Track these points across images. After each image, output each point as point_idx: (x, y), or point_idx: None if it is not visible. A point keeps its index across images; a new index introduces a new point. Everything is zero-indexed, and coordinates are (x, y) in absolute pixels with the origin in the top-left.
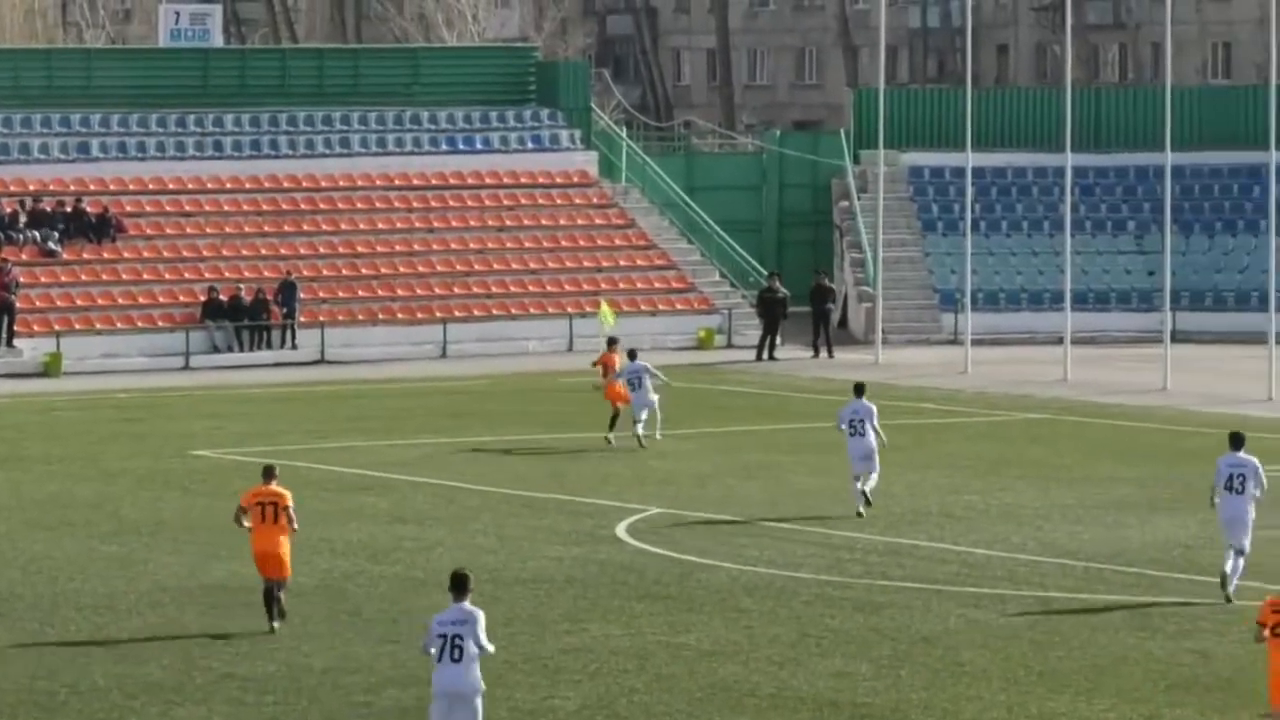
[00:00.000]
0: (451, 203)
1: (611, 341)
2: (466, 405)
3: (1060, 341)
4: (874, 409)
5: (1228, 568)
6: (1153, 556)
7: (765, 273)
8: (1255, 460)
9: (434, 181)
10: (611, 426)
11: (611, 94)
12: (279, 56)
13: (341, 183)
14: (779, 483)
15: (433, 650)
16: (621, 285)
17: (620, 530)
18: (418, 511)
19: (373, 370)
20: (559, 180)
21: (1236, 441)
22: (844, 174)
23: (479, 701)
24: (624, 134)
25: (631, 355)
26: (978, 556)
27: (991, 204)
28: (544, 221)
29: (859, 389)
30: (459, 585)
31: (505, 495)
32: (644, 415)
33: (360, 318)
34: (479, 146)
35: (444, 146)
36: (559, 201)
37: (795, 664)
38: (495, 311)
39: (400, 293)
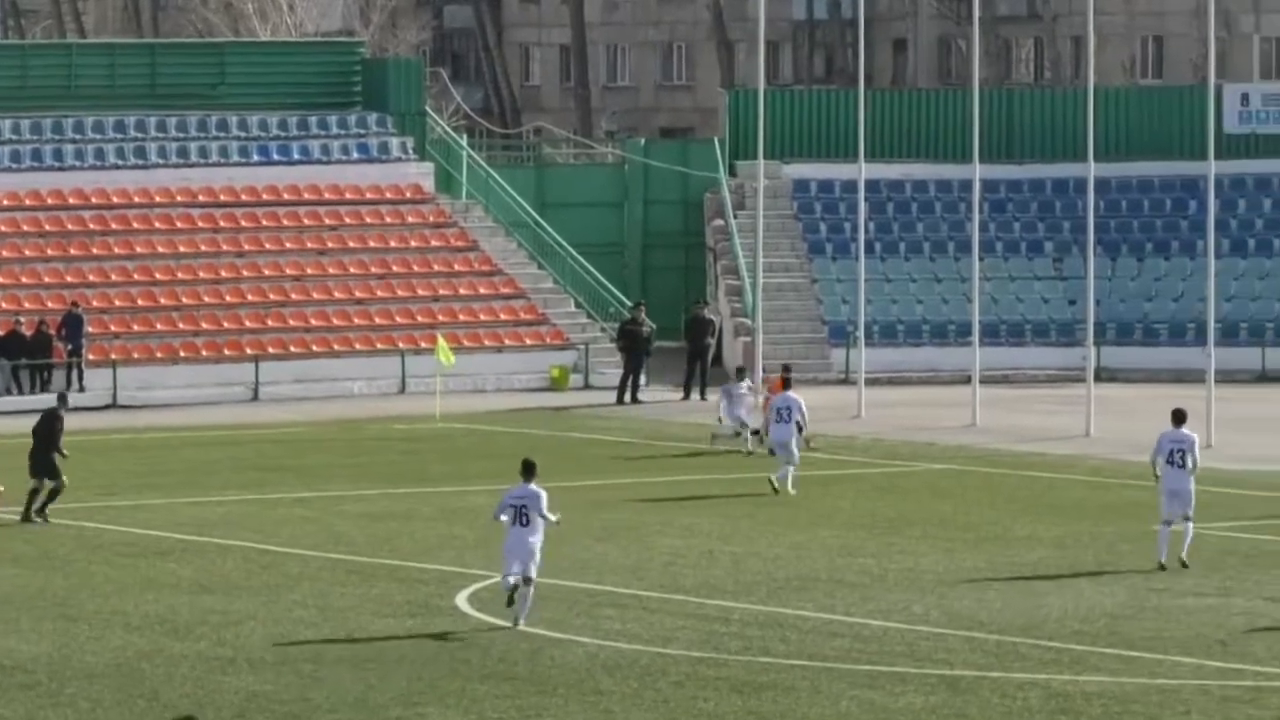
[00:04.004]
0: (264, 222)
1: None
2: (282, 456)
3: (968, 381)
4: (802, 401)
5: (1173, 546)
6: (1075, 629)
7: (628, 303)
8: (1195, 435)
9: (244, 197)
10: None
11: (450, 96)
12: (64, 53)
13: (136, 198)
14: (644, 545)
15: (504, 517)
16: (462, 317)
17: (460, 600)
18: (225, 580)
19: (173, 416)
20: (389, 195)
21: (1179, 418)
22: (718, 188)
23: (537, 555)
24: (464, 142)
25: (786, 382)
26: (873, 629)
27: (888, 223)
28: (372, 243)
29: (787, 383)
30: (528, 469)
31: (328, 560)
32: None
33: (159, 355)
34: (296, 156)
35: (255, 157)
36: (389, 220)
37: None
38: (315, 348)
39: (205, 326)
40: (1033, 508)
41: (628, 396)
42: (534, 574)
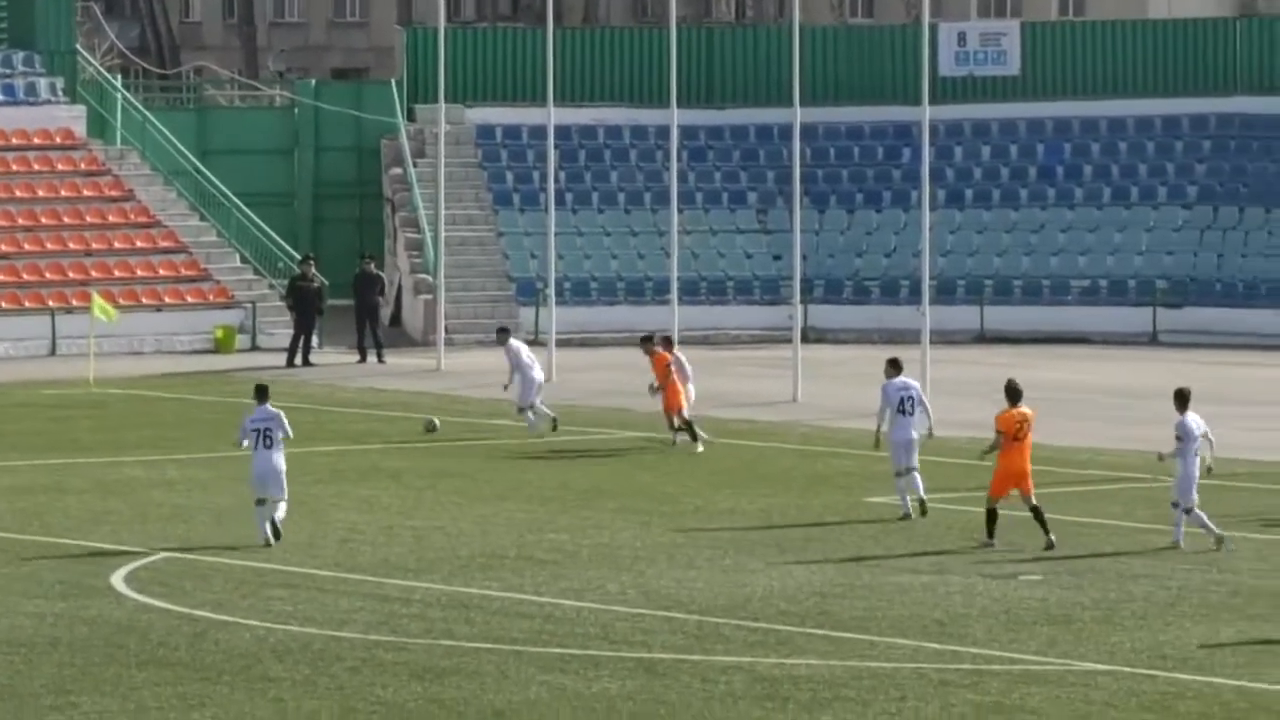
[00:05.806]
0: None
1: (663, 340)
2: None
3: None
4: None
5: (918, 494)
6: (781, 608)
7: (298, 257)
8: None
9: None
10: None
11: (103, 34)
12: None
13: None
14: (318, 520)
15: (246, 442)
16: (118, 273)
17: (117, 580)
18: None
19: None
20: (37, 141)
21: (897, 366)
22: (396, 134)
23: (283, 476)
24: (119, 84)
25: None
26: (565, 609)
27: (580, 172)
28: (18, 193)
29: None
30: (261, 393)
31: None
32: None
33: None
34: None
35: None
36: (37, 168)
37: None
38: None
39: None
40: (737, 478)
41: (299, 359)
42: (284, 492)
